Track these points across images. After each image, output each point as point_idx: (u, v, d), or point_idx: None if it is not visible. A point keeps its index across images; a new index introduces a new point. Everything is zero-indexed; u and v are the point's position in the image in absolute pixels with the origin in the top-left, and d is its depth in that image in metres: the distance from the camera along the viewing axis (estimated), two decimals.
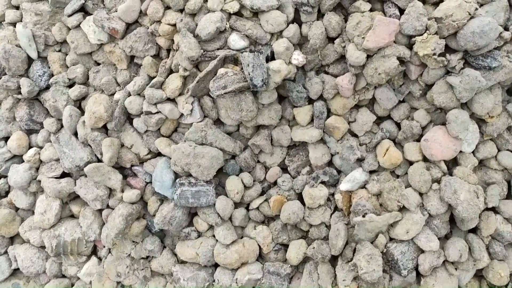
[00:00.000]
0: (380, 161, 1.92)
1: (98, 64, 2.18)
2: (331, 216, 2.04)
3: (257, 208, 2.07)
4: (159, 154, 2.11)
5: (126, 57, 2.09)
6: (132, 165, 2.11)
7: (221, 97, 1.91)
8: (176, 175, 2.05)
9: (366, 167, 1.96)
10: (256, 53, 1.87)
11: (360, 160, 2.00)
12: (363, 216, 1.88)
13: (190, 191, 1.99)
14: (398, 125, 1.97)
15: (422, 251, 1.89)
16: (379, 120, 2.01)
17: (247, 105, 1.91)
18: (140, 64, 2.09)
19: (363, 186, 1.99)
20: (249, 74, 1.82)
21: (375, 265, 1.84)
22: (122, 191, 2.08)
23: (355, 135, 2.01)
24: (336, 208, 2.06)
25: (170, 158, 2.02)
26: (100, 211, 2.13)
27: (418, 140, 1.92)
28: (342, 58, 1.91)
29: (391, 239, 1.93)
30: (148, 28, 2.04)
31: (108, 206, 2.12)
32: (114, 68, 2.16)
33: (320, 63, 1.95)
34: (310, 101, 2.00)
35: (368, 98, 1.94)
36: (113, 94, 2.12)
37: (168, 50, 2.06)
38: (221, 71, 1.89)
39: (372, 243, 1.91)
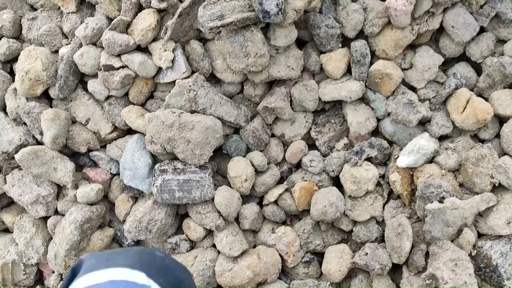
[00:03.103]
0: (457, 120, 1.30)
1: (35, 9, 1.53)
2: (383, 207, 1.40)
3: (275, 202, 1.42)
4: (129, 132, 1.46)
5: None
6: (89, 150, 1.45)
7: (216, 32, 1.27)
8: (155, 159, 1.40)
9: (435, 131, 1.33)
10: None
11: (422, 124, 1.37)
12: (440, 202, 1.25)
13: (176, 181, 1.33)
14: (476, 69, 1.35)
15: None
16: (444, 66, 1.39)
17: (255, 47, 1.27)
18: (95, 2, 1.43)
19: (431, 160, 1.36)
20: None
21: (464, 274, 1.20)
22: (76, 187, 1.41)
23: (411, 88, 1.38)
24: (390, 195, 1.42)
25: (145, 135, 1.37)
26: (44, 219, 1.46)
27: None
28: None
29: (480, 235, 1.30)
30: None
31: (56, 212, 1.45)
32: (58, 13, 1.51)
33: None
34: (344, 43, 1.38)
35: (432, 30, 1.33)
36: (57, 51, 1.46)
37: None
38: None
39: (452, 242, 1.28)
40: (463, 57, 1.37)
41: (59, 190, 1.46)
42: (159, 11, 1.36)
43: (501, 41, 1.32)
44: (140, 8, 1.39)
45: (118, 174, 1.46)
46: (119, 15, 1.39)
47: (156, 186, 1.33)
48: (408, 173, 1.37)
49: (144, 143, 1.37)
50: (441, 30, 1.35)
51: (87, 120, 1.43)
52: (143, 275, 0.62)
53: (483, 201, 1.24)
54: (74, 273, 0.65)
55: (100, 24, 1.38)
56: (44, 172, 1.38)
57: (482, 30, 1.32)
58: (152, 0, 1.32)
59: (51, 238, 1.46)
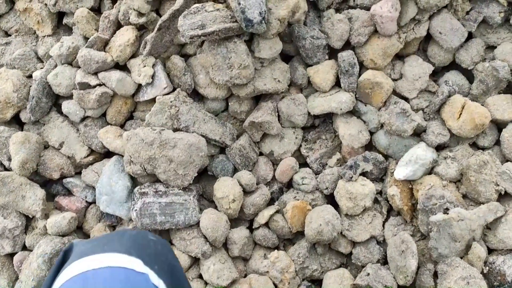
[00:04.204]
0: (453, 127, 1.24)
1: (10, 35, 1.47)
2: (383, 225, 1.30)
3: (267, 225, 1.31)
4: (107, 155, 1.36)
5: (49, 16, 1.40)
6: (63, 176, 1.34)
7: (198, 45, 1.22)
8: (135, 182, 1.29)
9: (431, 140, 1.26)
10: None
11: (417, 135, 1.31)
12: (445, 213, 1.15)
13: (157, 204, 1.22)
14: (467, 77, 1.32)
15: None
16: (433, 76, 1.36)
17: (238, 58, 1.22)
18: (72, 24, 1.39)
19: (430, 171, 1.27)
20: (239, 4, 1.15)
21: None
22: (47, 217, 1.29)
23: (403, 99, 1.33)
24: (390, 213, 1.32)
25: (124, 157, 1.27)
26: (11, 256, 1.31)
27: (508, 92, 1.26)
28: None
29: (491, 251, 1.20)
30: None
31: (24, 248, 1.31)
32: (34, 37, 1.45)
33: None
34: (331, 56, 1.33)
35: (420, 38, 1.30)
36: (32, 76, 1.39)
37: (113, 0, 1.38)
38: (196, 5, 1.21)
39: (461, 259, 1.17)
40: (452, 66, 1.33)
41: (28, 222, 1.32)
42: (139, 28, 1.31)
43: (491, 47, 1.29)
44: (118, 27, 1.34)
45: (94, 202, 1.34)
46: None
47: (135, 210, 1.21)
48: (407, 187, 1.28)
49: (123, 165, 1.27)
50: (428, 39, 1.32)
51: (60, 144, 1.33)
52: (140, 262, 0.60)
53: (490, 211, 1.15)
54: (65, 257, 0.62)
55: (76, 43, 1.32)
56: (11, 202, 1.26)
57: (469, 37, 1.29)
58: (130, 15, 1.27)
59: (18, 278, 1.30)
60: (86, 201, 1.34)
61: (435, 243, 1.16)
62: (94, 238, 0.68)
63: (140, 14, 1.27)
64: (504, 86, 1.24)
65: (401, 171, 1.25)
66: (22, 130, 1.36)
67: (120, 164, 1.28)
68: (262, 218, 1.29)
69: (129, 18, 1.29)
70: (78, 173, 1.35)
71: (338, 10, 1.33)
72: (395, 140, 1.31)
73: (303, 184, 1.32)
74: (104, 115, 1.34)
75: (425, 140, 1.27)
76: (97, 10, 1.40)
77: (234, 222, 1.32)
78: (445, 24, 1.24)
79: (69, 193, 1.36)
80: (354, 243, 1.29)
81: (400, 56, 1.35)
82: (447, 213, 1.14)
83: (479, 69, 1.26)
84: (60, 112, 1.35)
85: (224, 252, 1.28)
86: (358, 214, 1.28)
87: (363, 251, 1.27)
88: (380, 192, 1.33)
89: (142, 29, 1.32)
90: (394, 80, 1.33)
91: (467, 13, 1.26)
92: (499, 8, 1.23)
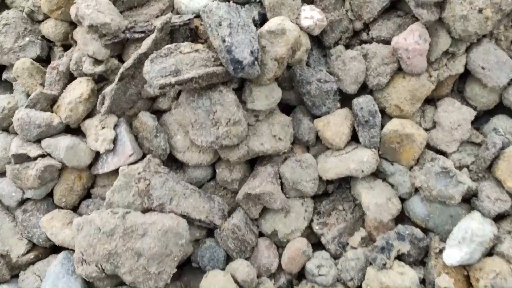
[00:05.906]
0: None
1: None
2: None
3: None
4: (55, 250, 1.03)
5: None
6: None
7: (171, 92, 0.94)
8: (90, 287, 0.94)
9: (488, 208, 0.96)
10: (233, 3, 0.94)
11: (464, 200, 0.99)
12: None
13: None
14: None
15: None
16: (473, 123, 1.07)
17: (226, 112, 0.93)
18: (13, 79, 1.09)
19: (490, 251, 0.95)
20: (224, 41, 0.87)
21: None
22: None
23: (440, 154, 1.03)
24: None
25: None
26: None
27: None
28: (395, 5, 1.03)
29: None
30: (23, 10, 1.10)
31: None
32: None
33: (352, 28, 1.05)
34: (343, 103, 1.05)
35: (455, 76, 1.03)
36: None
37: (66, 47, 1.10)
38: (167, 46, 0.93)
39: None
40: (497, 110, 1.05)
41: None
42: (96, 80, 1.02)
43: None
44: (71, 79, 1.05)
45: None
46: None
47: None
48: (462, 274, 0.96)
49: (74, 265, 0.93)
50: (464, 77, 1.05)
51: None
52: None
53: None
54: None
55: (14, 103, 1.02)
56: None
57: None
58: (84, 63, 0.98)
59: None
60: None
61: None
62: None
63: (97, 62, 0.99)
64: None
65: (454, 254, 0.94)
66: None
67: (70, 263, 0.96)
68: None
69: (82, 73, 0.99)
70: (15, 277, 1.03)
71: (348, 46, 1.08)
72: (436, 208, 1.00)
73: (319, 275, 1.00)
74: (50, 195, 1.01)
75: (478, 209, 0.97)
76: (45, 60, 1.12)
77: None
78: (488, 56, 0.98)
79: None
80: None
81: (429, 100, 1.07)
82: None
83: None
84: None
85: None
86: None
87: None
88: (423, 281, 0.99)
89: (100, 80, 1.04)
90: (425, 130, 1.04)
91: None
92: None
